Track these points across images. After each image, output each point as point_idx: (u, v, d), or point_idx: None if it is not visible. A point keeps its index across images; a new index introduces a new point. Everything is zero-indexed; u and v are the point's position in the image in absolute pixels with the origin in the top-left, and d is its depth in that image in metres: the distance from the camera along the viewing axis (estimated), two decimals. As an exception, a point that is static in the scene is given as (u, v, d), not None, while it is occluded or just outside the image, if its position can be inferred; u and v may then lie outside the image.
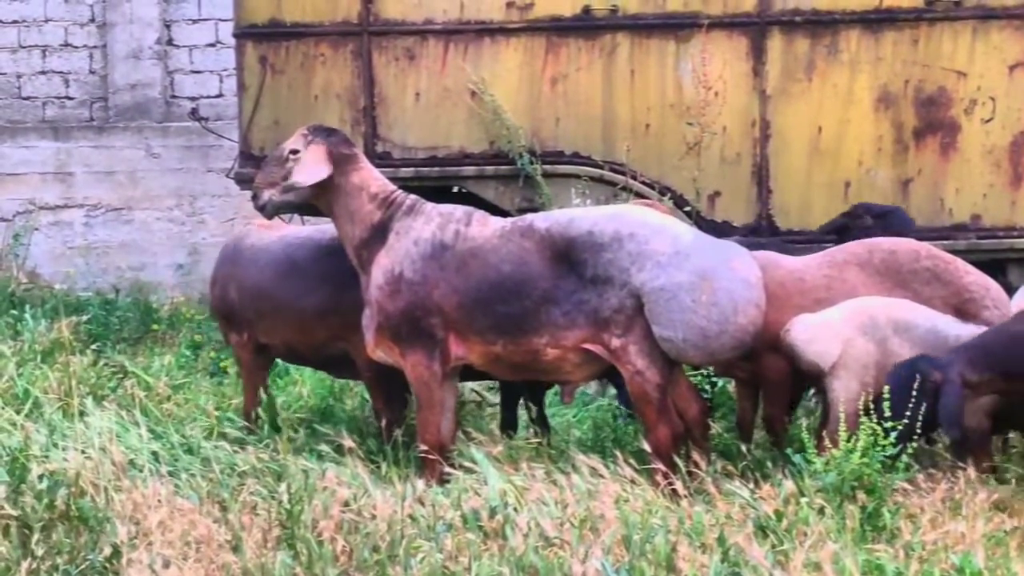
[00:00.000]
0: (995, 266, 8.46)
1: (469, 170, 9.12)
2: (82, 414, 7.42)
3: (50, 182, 13.71)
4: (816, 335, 6.68)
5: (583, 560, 5.01)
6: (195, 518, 5.61)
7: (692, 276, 6.48)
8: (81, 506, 5.70)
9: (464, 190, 9.05)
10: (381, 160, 8.89)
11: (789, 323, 6.74)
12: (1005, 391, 6.48)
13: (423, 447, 6.78)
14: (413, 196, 7.10)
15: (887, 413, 6.08)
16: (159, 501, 5.84)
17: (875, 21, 8.94)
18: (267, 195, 7.12)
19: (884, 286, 6.98)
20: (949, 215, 8.92)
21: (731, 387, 8.08)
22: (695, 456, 6.40)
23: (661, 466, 6.43)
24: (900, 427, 6.04)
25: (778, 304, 6.83)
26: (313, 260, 7.54)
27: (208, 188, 13.59)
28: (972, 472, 6.23)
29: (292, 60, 9.20)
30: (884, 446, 5.92)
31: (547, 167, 9.02)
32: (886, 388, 6.20)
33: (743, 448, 6.92)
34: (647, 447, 6.48)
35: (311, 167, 7.01)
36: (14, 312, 10.70)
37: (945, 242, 8.45)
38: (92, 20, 13.98)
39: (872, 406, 6.18)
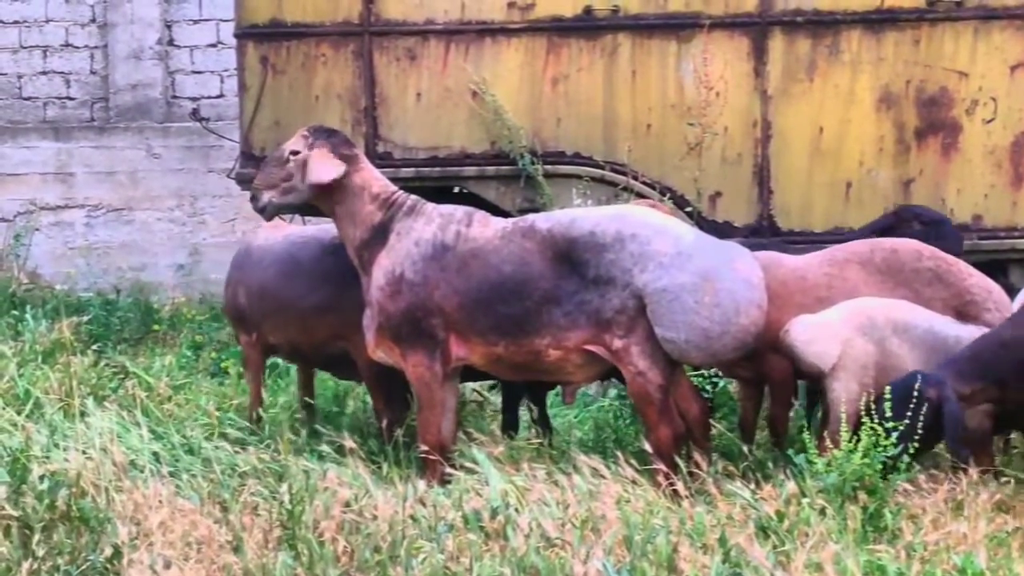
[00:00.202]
0: (996, 267, 8.45)
1: (470, 170, 9.12)
2: (83, 414, 7.42)
3: (51, 182, 13.71)
4: (815, 336, 6.68)
5: (584, 561, 5.01)
6: (196, 519, 5.61)
7: (694, 277, 6.47)
8: (82, 507, 5.69)
9: (465, 190, 9.04)
10: (382, 160, 8.88)
11: (788, 324, 6.74)
12: (1000, 399, 6.47)
13: (424, 448, 6.78)
14: (414, 197, 7.10)
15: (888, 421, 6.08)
16: (160, 502, 5.84)
17: (877, 21, 8.93)
18: (267, 196, 7.11)
19: (886, 285, 6.99)
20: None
21: (732, 387, 8.08)
22: (696, 457, 6.39)
23: (662, 467, 6.43)
24: (900, 428, 6.04)
25: (781, 303, 6.84)
26: (314, 259, 7.58)
27: (209, 188, 13.59)
28: (974, 473, 6.23)
29: (293, 60, 9.19)
30: (885, 446, 5.92)
31: (548, 167, 9.01)
32: (887, 403, 6.20)
33: (744, 448, 6.92)
34: (648, 448, 6.47)
35: (322, 166, 6.98)
36: (15, 312, 10.71)
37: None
38: (93, 20, 13.98)
39: (872, 409, 6.18)
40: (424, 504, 5.85)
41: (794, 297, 6.95)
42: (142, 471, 6.53)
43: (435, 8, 9.10)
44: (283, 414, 8.08)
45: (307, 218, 9.86)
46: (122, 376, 8.83)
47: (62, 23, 13.98)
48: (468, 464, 6.43)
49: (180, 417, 7.84)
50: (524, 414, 7.80)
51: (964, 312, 6.88)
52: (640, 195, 8.74)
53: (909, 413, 6.09)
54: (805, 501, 5.68)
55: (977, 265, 7.33)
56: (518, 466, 6.40)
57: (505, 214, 8.13)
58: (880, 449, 5.91)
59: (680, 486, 6.22)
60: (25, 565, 5.24)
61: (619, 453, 6.46)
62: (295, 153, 7.06)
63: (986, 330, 6.68)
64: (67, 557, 5.39)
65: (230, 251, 13.07)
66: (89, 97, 14.02)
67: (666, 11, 9.01)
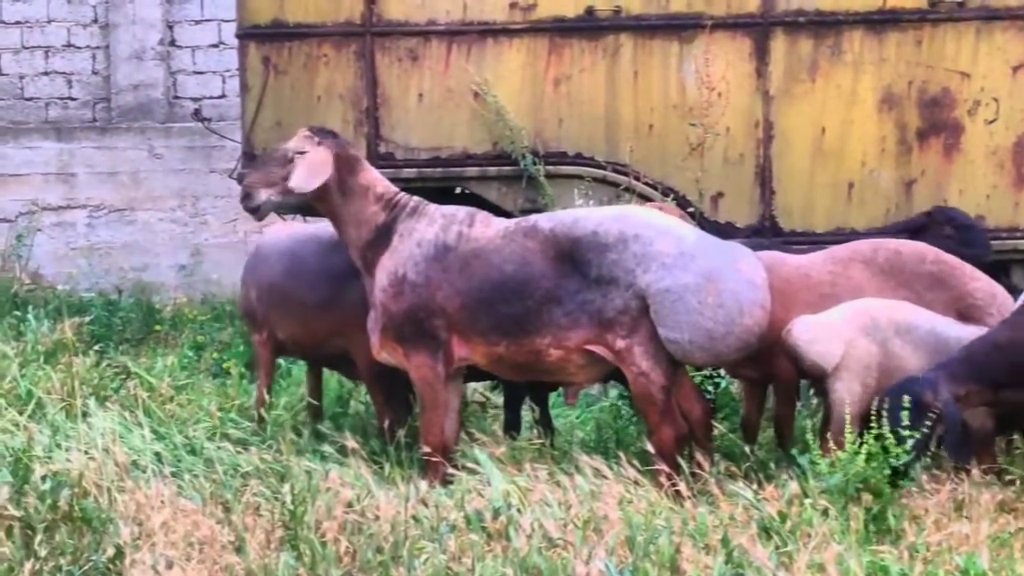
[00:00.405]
0: (998, 268, 8.44)
1: (472, 171, 9.11)
2: (85, 415, 7.41)
3: (53, 183, 13.71)
4: (818, 336, 6.68)
5: (587, 561, 5.01)
6: (198, 519, 5.61)
7: (698, 278, 6.48)
8: (84, 507, 5.69)
9: (467, 191, 9.04)
10: (384, 161, 8.89)
11: (791, 324, 6.74)
12: (994, 402, 6.46)
13: (427, 448, 6.77)
14: (416, 198, 7.10)
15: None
16: (162, 502, 5.84)
17: (879, 22, 8.92)
18: (265, 195, 7.04)
19: (888, 285, 6.99)
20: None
21: (734, 388, 8.08)
22: (699, 457, 6.39)
23: (665, 467, 6.43)
24: (916, 437, 6.02)
25: (786, 301, 6.85)
26: (315, 256, 7.61)
27: (211, 189, 13.58)
28: (976, 473, 6.23)
29: (295, 61, 9.19)
30: (897, 454, 5.90)
31: (550, 168, 9.01)
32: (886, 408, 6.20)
33: (747, 449, 6.92)
34: (651, 448, 6.47)
35: (313, 170, 6.97)
36: (17, 313, 10.71)
37: (947, 243, 8.46)
38: (95, 21, 13.98)
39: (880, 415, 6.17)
40: (426, 504, 5.85)
41: (799, 295, 6.96)
42: (144, 471, 6.53)
43: (437, 8, 9.10)
44: (285, 415, 8.07)
45: (307, 218, 9.83)
46: (124, 376, 8.83)
47: (64, 23, 13.98)
48: (470, 464, 6.44)
49: (182, 417, 7.84)
50: (526, 415, 7.80)
51: (967, 316, 6.87)
52: (642, 196, 8.75)
53: (917, 419, 6.06)
54: (807, 502, 5.68)
55: (978, 266, 7.32)
56: (520, 466, 6.40)
57: (507, 215, 8.13)
58: (892, 456, 5.89)
59: (682, 487, 6.21)
60: (27, 565, 5.24)
61: (621, 454, 6.46)
62: (301, 153, 7.00)
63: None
64: (69, 557, 5.39)
65: (232, 251, 13.26)
66: (91, 97, 14.02)
67: (668, 11, 9.01)
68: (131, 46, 13.85)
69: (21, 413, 7.52)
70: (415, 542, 5.38)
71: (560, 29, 9.07)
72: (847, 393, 6.54)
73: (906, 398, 6.10)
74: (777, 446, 7.15)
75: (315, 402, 8.06)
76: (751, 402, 7.33)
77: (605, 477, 6.00)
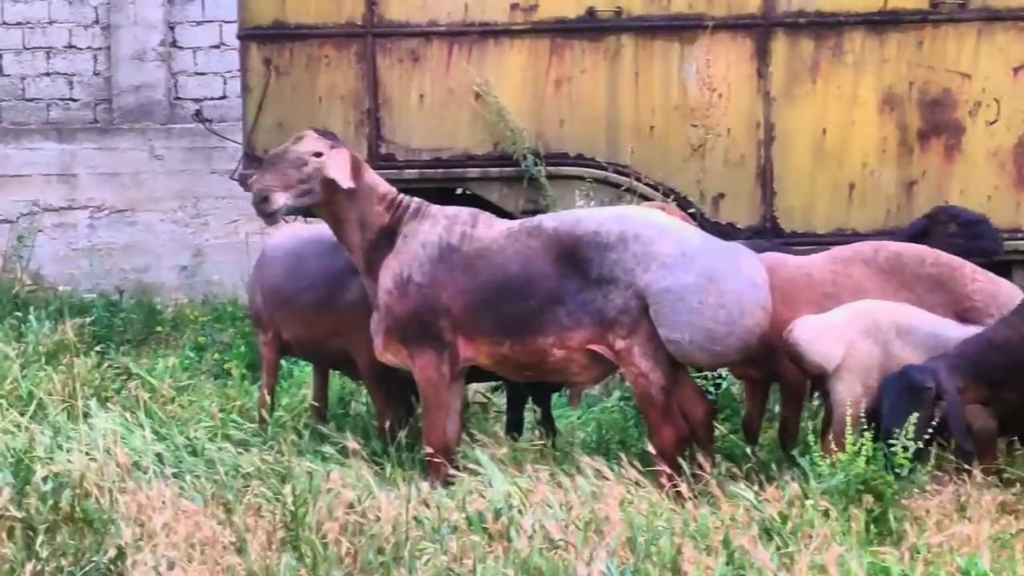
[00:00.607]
0: (1000, 268, 8.44)
1: (473, 172, 9.12)
2: (86, 416, 7.42)
3: (54, 184, 13.71)
4: (819, 336, 6.68)
5: (588, 562, 5.01)
6: (200, 520, 5.61)
7: (698, 278, 6.48)
8: (85, 508, 5.69)
9: (468, 192, 9.05)
10: (385, 162, 8.90)
11: (792, 324, 6.74)
12: (989, 400, 6.46)
13: (429, 449, 6.78)
14: (417, 199, 7.10)
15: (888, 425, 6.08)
16: (163, 503, 5.84)
17: (879, 23, 8.92)
18: (283, 199, 6.85)
19: (889, 285, 7.00)
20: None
21: (735, 389, 8.08)
22: (700, 458, 6.39)
23: (666, 468, 6.43)
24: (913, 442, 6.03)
25: (790, 301, 6.87)
26: (315, 255, 7.63)
27: (212, 190, 13.58)
28: (978, 474, 6.23)
29: (296, 62, 9.19)
30: (902, 464, 5.91)
31: (551, 169, 9.02)
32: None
33: (748, 450, 6.92)
34: (652, 449, 6.47)
35: (346, 169, 6.92)
36: (18, 314, 10.70)
37: (949, 244, 8.46)
38: (96, 22, 13.98)
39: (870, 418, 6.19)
40: (428, 505, 5.85)
41: (802, 294, 6.97)
42: (145, 472, 6.53)
43: (438, 9, 9.10)
44: (286, 416, 8.08)
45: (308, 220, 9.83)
46: (125, 377, 8.83)
47: (65, 24, 13.99)
48: (471, 466, 6.43)
49: (183, 418, 7.84)
50: (528, 415, 7.80)
51: (967, 317, 6.87)
52: (643, 196, 8.75)
53: (914, 406, 6.07)
54: (809, 503, 5.68)
55: (992, 258, 7.31)
56: (521, 468, 6.40)
57: (508, 216, 8.13)
58: (901, 465, 5.90)
59: (684, 488, 6.21)
60: (29, 566, 5.24)
61: (622, 455, 6.46)
62: (318, 155, 6.91)
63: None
64: (71, 558, 5.39)
65: (233, 252, 13.27)
66: (92, 98, 14.03)
67: (669, 12, 9.02)
68: (132, 47, 13.86)
69: (22, 414, 7.52)
70: (416, 543, 5.38)
71: (561, 30, 9.07)
72: (848, 394, 6.54)
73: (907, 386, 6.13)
74: (779, 447, 7.15)
75: (317, 404, 8.07)
76: (753, 403, 7.34)
77: (606, 478, 6.00)
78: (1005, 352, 6.38)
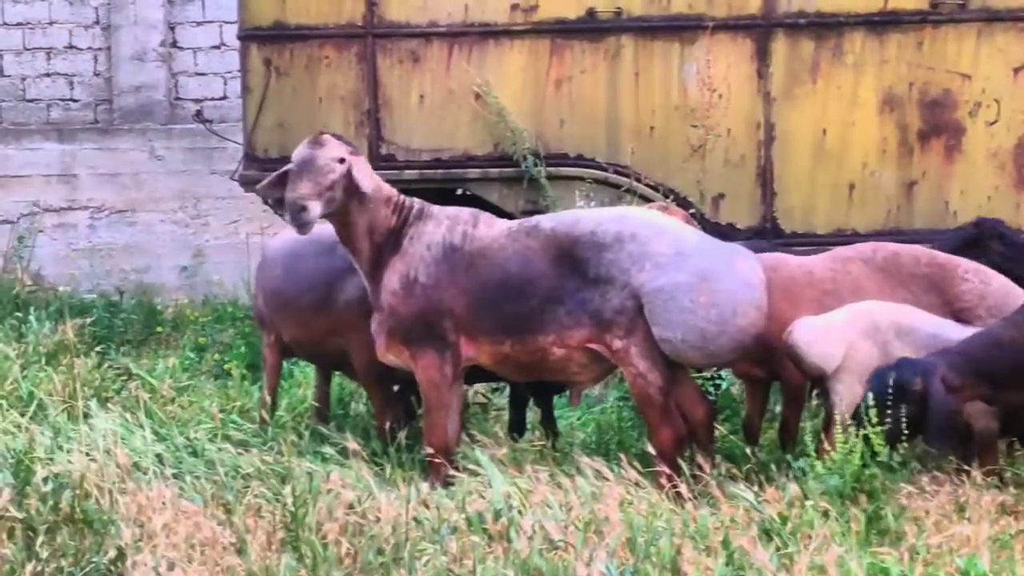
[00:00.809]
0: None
1: (473, 172, 9.13)
2: (86, 416, 7.42)
3: (54, 184, 13.71)
4: (819, 337, 6.68)
5: (587, 563, 5.01)
6: (200, 520, 5.61)
7: (691, 277, 6.48)
8: (85, 508, 5.69)
9: (468, 192, 9.05)
10: (385, 162, 8.90)
11: (791, 325, 6.75)
12: (992, 400, 6.46)
13: (430, 449, 6.78)
14: (418, 200, 7.09)
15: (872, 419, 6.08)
16: (163, 503, 5.83)
17: (880, 23, 8.93)
18: (318, 207, 6.71)
19: (888, 283, 7.03)
20: (954, 218, 8.92)
21: (735, 390, 8.08)
22: (699, 459, 6.39)
23: (665, 469, 6.43)
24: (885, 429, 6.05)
25: (792, 299, 6.90)
26: (312, 256, 7.62)
27: (212, 190, 13.58)
28: (977, 475, 6.24)
29: (296, 62, 9.20)
30: (876, 451, 5.92)
31: (551, 169, 9.03)
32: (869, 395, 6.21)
33: (748, 451, 6.92)
34: (651, 450, 6.48)
35: (368, 174, 6.91)
36: (18, 314, 10.70)
37: (949, 245, 8.47)
38: (96, 22, 13.98)
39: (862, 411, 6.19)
40: (427, 506, 5.85)
41: (804, 292, 7.00)
42: (146, 473, 6.52)
43: (438, 10, 9.12)
44: (286, 416, 8.08)
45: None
46: (125, 378, 8.83)
47: (66, 25, 13.99)
48: (471, 466, 6.44)
49: (183, 419, 7.84)
50: (529, 416, 7.81)
51: (959, 318, 6.90)
52: (643, 197, 8.75)
53: (897, 402, 6.08)
54: (808, 503, 5.68)
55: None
56: (521, 468, 6.41)
57: (508, 216, 8.13)
58: (873, 453, 5.91)
59: (683, 488, 6.21)
60: (29, 567, 5.23)
61: (622, 455, 6.46)
62: (341, 160, 6.80)
63: None
64: (71, 559, 5.39)
65: (233, 253, 13.27)
66: (93, 99, 14.02)
67: (669, 13, 9.03)
68: (133, 47, 13.86)
69: (23, 415, 7.52)
70: (416, 544, 5.38)
71: (561, 31, 9.08)
72: (848, 395, 6.54)
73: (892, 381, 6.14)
74: (779, 447, 7.15)
75: (319, 405, 8.07)
76: (753, 404, 7.34)
77: (606, 479, 6.00)
78: (1011, 352, 6.38)
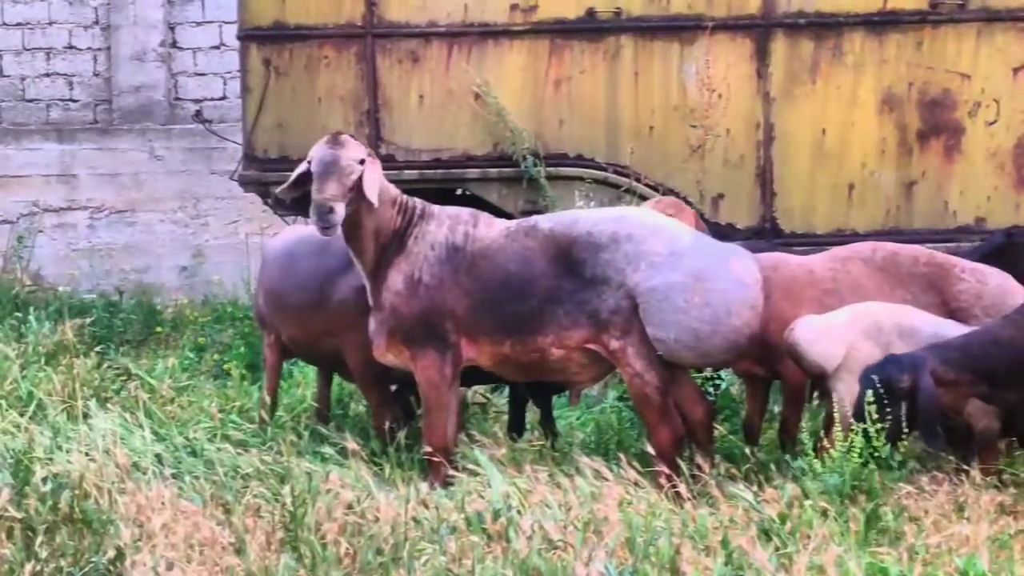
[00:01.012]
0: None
1: (473, 172, 9.13)
2: (86, 416, 7.42)
3: (54, 184, 13.71)
4: (820, 336, 6.68)
5: (587, 563, 5.01)
6: (199, 520, 5.61)
7: (685, 277, 6.48)
8: (85, 508, 5.69)
9: (467, 193, 9.05)
10: (385, 163, 8.81)
11: (792, 324, 6.76)
12: (989, 398, 6.45)
13: (429, 449, 6.78)
14: (419, 200, 7.09)
15: (868, 417, 6.08)
16: (163, 503, 5.84)
17: (879, 23, 8.93)
18: (342, 209, 6.66)
19: (887, 283, 7.06)
20: (953, 217, 8.93)
21: (734, 390, 8.08)
22: (699, 459, 6.39)
23: (664, 468, 6.43)
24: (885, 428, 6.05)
25: (794, 297, 6.92)
26: (306, 256, 7.63)
27: (212, 190, 13.58)
28: (976, 475, 6.24)
29: (296, 62, 9.20)
30: (875, 449, 5.92)
31: (551, 169, 9.03)
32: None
33: (747, 451, 6.92)
34: (650, 449, 6.48)
35: (381, 176, 6.90)
36: (18, 314, 10.69)
37: (949, 245, 8.47)
38: (96, 22, 13.98)
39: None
40: (426, 506, 5.85)
41: (805, 292, 7.02)
42: (145, 473, 6.52)
43: (438, 10, 9.12)
44: (286, 416, 8.08)
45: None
46: (125, 378, 8.83)
47: (65, 25, 13.99)
48: (471, 466, 6.44)
49: (183, 419, 7.84)
50: (529, 416, 7.81)
51: (956, 317, 6.92)
52: (643, 197, 8.75)
53: (889, 401, 6.08)
54: (807, 503, 5.68)
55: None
56: (520, 468, 6.40)
57: (508, 216, 8.14)
58: (872, 451, 5.92)
59: (683, 488, 6.22)
60: (28, 567, 5.23)
61: (621, 455, 6.46)
62: (361, 162, 6.77)
63: None
64: (70, 559, 5.38)
65: (233, 253, 13.27)
66: (92, 99, 14.02)
67: (669, 13, 9.03)
68: (132, 48, 13.86)
69: (22, 415, 7.53)
70: (415, 543, 5.38)
71: (561, 31, 9.08)
72: (848, 395, 6.54)
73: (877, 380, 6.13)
74: (779, 447, 7.16)
75: (319, 405, 8.07)
76: (753, 404, 7.35)
77: (605, 479, 6.00)
78: (1010, 351, 6.38)
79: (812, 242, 8.56)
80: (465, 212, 7.00)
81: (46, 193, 13.68)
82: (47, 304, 11.79)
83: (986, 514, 5.85)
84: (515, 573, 5.07)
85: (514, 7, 9.09)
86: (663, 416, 6.58)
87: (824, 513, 5.65)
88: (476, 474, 6.31)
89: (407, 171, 9.00)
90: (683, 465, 6.40)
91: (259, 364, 8.99)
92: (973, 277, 7.10)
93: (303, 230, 8.15)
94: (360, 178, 6.74)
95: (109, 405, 7.75)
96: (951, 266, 7.14)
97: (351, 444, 6.45)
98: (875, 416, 6.03)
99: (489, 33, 9.10)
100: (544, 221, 6.87)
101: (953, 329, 6.72)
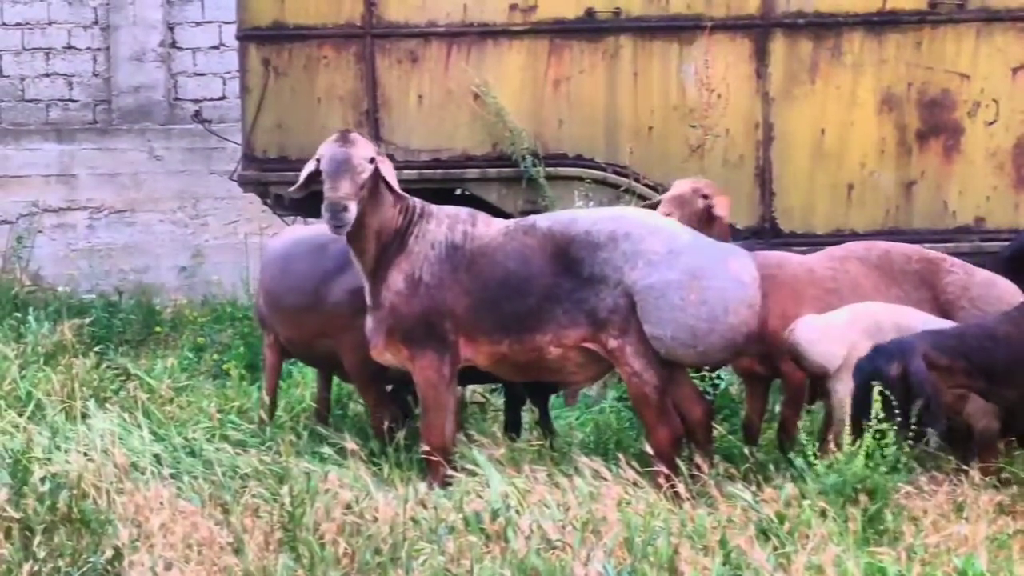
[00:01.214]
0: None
1: (472, 172, 9.13)
2: (84, 416, 7.42)
3: (53, 184, 13.71)
4: (821, 336, 6.69)
5: (585, 563, 5.01)
6: (197, 520, 5.61)
7: (683, 275, 6.49)
8: (83, 508, 5.70)
9: (467, 193, 9.05)
10: (384, 162, 8.88)
11: (793, 324, 6.77)
12: (985, 393, 6.45)
13: (427, 449, 6.77)
14: (419, 200, 7.09)
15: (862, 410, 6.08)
16: (161, 503, 5.84)
17: (878, 23, 8.93)
18: (355, 207, 6.63)
19: (883, 281, 7.14)
20: (953, 217, 8.93)
21: (733, 389, 8.08)
22: (697, 459, 6.39)
23: (663, 468, 6.43)
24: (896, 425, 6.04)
25: (797, 296, 6.96)
26: (302, 257, 7.63)
27: (211, 190, 13.58)
28: (975, 474, 6.24)
29: (295, 62, 9.20)
30: (884, 447, 5.92)
31: (550, 169, 9.03)
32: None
33: (746, 450, 6.92)
34: (649, 449, 6.48)
35: (393, 174, 6.89)
36: (17, 315, 10.70)
37: (948, 244, 8.49)
38: (96, 22, 13.98)
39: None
40: (425, 506, 5.85)
41: (808, 291, 7.07)
42: (143, 473, 6.52)
43: (437, 10, 9.11)
44: (284, 416, 8.08)
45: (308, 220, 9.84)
46: (124, 378, 8.83)
47: (65, 25, 13.99)
48: (469, 466, 6.43)
49: (182, 419, 7.84)
50: (526, 416, 7.80)
51: (945, 311, 6.98)
52: (642, 197, 8.75)
53: (892, 392, 6.08)
54: (806, 503, 5.68)
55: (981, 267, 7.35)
56: (519, 468, 6.40)
57: (507, 216, 8.13)
58: (881, 451, 5.91)
59: (681, 488, 6.22)
60: (26, 567, 5.24)
61: (620, 455, 6.45)
62: (371, 160, 6.74)
63: None
64: (68, 559, 5.39)
65: (232, 253, 13.27)
66: (92, 99, 14.02)
67: (668, 13, 9.03)
68: (132, 48, 13.86)
69: (21, 415, 7.53)
70: (413, 543, 5.38)
71: (560, 31, 9.08)
72: (848, 395, 6.54)
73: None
74: (777, 447, 7.16)
75: (318, 406, 8.07)
76: (752, 404, 7.35)
77: (604, 479, 6.00)
78: (1005, 347, 6.38)
79: (811, 242, 8.56)
80: (463, 211, 7.01)
81: (45, 193, 13.68)
82: (46, 304, 11.80)
83: (985, 514, 5.85)
84: (513, 573, 5.07)
85: (513, 7, 9.09)
86: (661, 416, 6.58)
87: (823, 513, 5.65)
88: (474, 474, 6.31)
89: (406, 171, 8.97)
90: (682, 465, 6.40)
91: (258, 364, 9.00)
92: (961, 270, 7.21)
93: (303, 230, 8.16)
94: (370, 176, 6.73)
95: (108, 405, 7.74)
96: (940, 261, 7.25)
97: (350, 444, 6.44)
98: (859, 410, 6.02)
99: (488, 33, 9.10)
100: (542, 220, 6.88)
101: (955, 330, 6.74)
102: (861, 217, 8.93)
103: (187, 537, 5.46)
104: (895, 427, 6.02)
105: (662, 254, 6.55)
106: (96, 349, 9.50)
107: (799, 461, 6.10)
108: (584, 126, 9.09)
